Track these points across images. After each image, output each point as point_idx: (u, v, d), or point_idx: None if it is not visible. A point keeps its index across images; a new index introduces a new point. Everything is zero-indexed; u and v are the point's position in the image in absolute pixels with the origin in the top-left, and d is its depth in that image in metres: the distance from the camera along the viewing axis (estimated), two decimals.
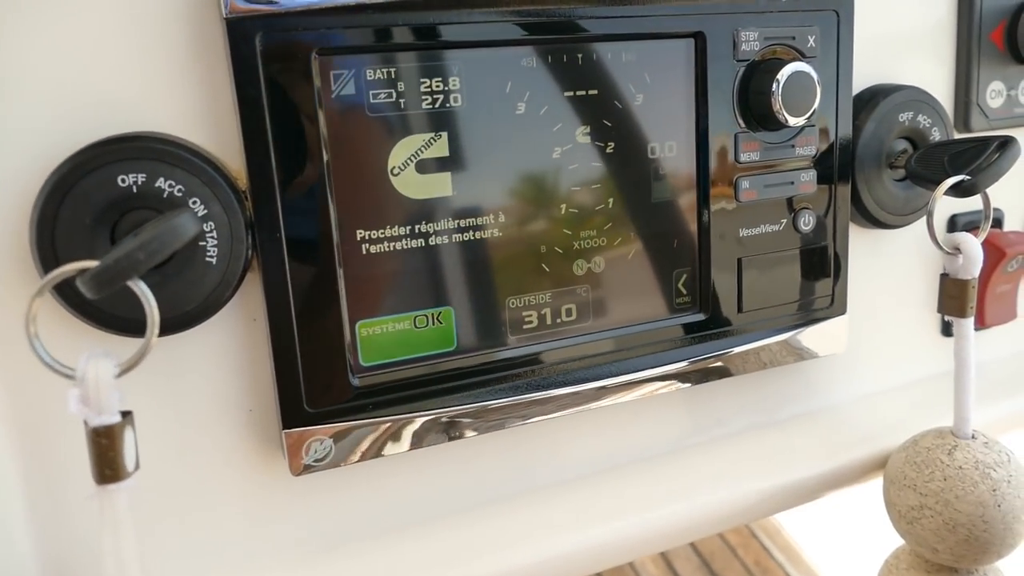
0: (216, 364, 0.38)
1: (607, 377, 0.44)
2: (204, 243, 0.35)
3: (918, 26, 0.52)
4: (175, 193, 0.34)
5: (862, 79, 0.50)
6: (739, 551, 1.79)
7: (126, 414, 0.30)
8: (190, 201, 0.34)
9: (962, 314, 0.45)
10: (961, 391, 0.46)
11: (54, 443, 0.36)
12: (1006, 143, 0.44)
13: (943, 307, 0.45)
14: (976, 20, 0.52)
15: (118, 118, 0.34)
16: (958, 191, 0.44)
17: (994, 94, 0.54)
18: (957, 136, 0.54)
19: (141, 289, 0.30)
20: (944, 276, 0.45)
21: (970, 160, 0.44)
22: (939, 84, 0.53)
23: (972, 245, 0.44)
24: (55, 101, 0.33)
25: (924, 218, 0.45)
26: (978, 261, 0.44)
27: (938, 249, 0.44)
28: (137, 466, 0.30)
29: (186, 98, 0.35)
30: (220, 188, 0.34)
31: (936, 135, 0.50)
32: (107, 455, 0.29)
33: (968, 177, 0.43)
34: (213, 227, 0.35)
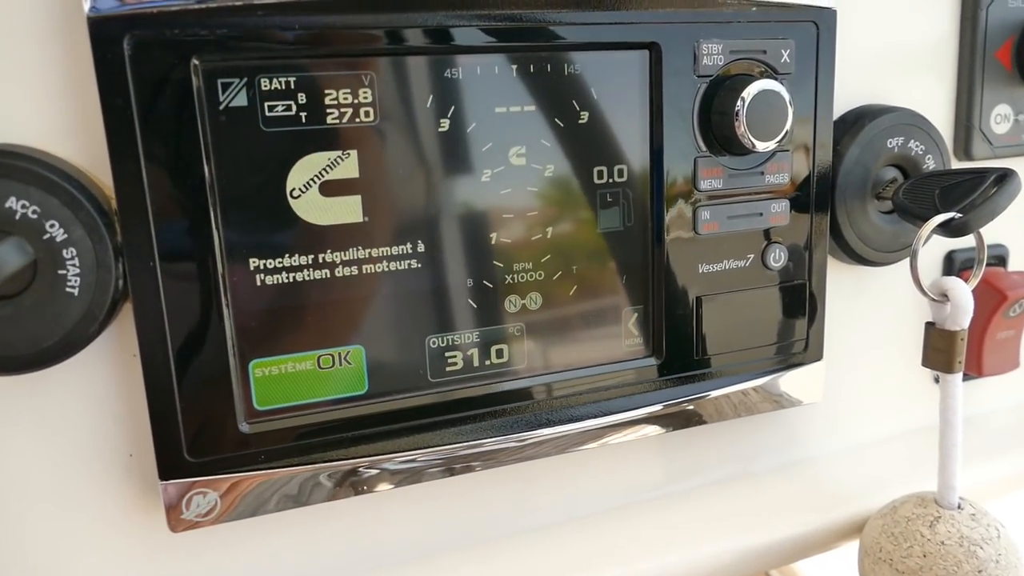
0: (92, 403, 0.34)
1: (544, 426, 0.39)
2: (64, 271, 0.31)
3: (914, 42, 0.47)
4: (29, 215, 0.30)
5: (847, 99, 0.45)
6: None
7: None
8: (47, 224, 0.30)
9: (949, 369, 0.39)
10: (946, 456, 0.40)
11: None
12: (1005, 176, 0.38)
13: (928, 360, 0.40)
14: (980, 36, 0.47)
15: None
16: (948, 230, 0.38)
17: (999, 118, 0.48)
18: (956, 165, 0.48)
19: None
20: (930, 325, 0.40)
21: (964, 195, 0.39)
22: (937, 107, 0.48)
23: (962, 292, 0.38)
24: None
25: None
26: (968, 310, 0.38)
27: (923, 295, 0.39)
28: None
29: (50, 108, 0.31)
30: (83, 210, 0.30)
31: (930, 163, 0.45)
32: None
33: (959, 215, 0.38)
34: (75, 253, 0.31)
